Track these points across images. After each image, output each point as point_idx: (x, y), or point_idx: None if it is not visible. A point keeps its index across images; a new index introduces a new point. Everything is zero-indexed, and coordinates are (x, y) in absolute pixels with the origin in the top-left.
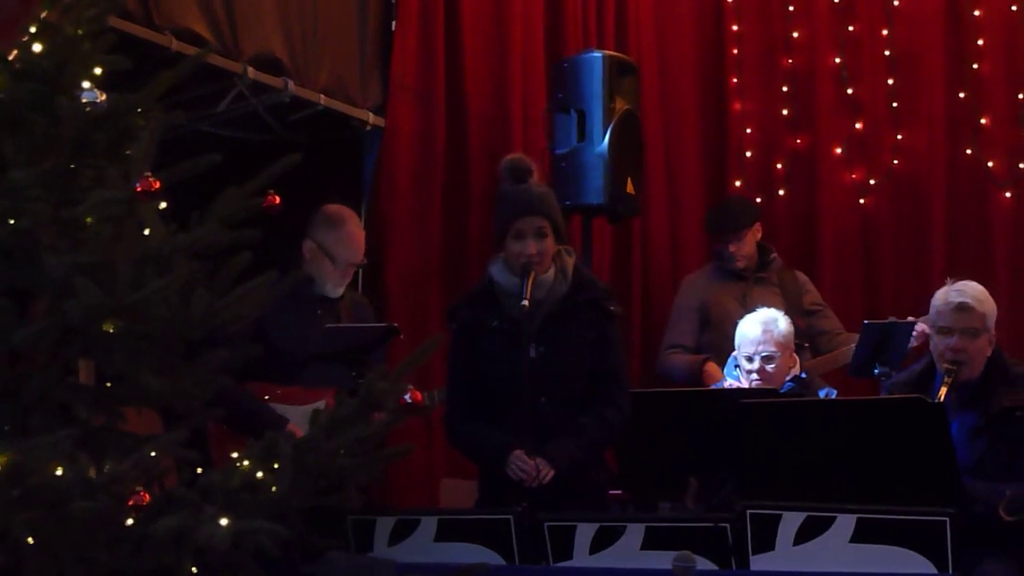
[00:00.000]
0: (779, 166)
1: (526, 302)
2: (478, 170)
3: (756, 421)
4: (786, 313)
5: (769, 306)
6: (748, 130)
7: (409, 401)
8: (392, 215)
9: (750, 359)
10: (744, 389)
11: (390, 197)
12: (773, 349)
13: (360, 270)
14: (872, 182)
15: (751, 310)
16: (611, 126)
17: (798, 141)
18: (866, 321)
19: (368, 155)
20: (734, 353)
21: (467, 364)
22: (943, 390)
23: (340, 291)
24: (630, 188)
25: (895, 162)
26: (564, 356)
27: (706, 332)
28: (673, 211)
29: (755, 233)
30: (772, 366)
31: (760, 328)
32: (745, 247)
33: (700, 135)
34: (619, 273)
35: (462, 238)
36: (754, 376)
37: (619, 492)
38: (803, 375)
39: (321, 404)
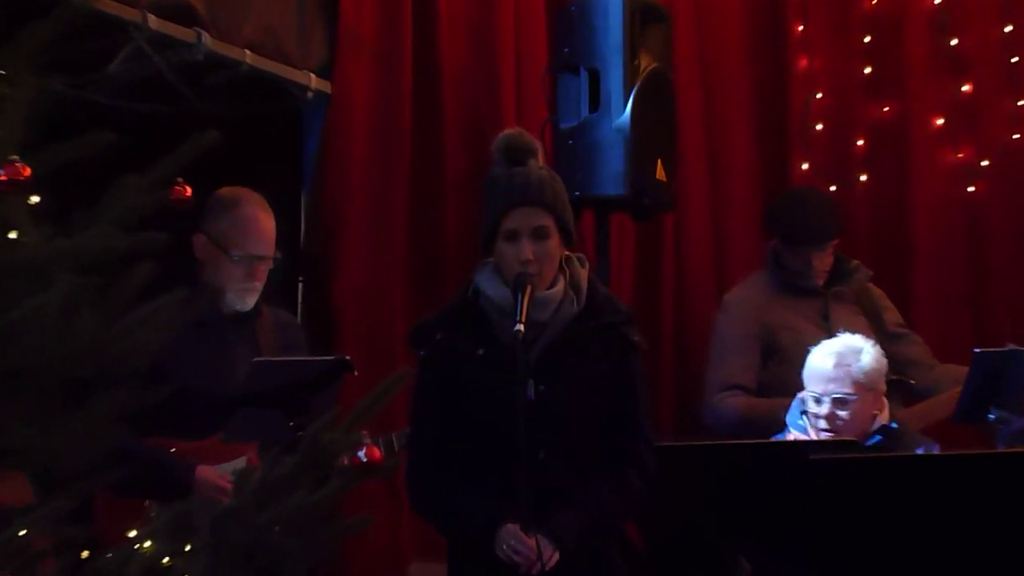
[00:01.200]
0: (859, 143)
1: (520, 326)
2: (456, 150)
3: (830, 485)
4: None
5: (853, 330)
6: (817, 95)
7: (365, 459)
8: (342, 209)
9: (818, 400)
10: (812, 441)
11: (340, 186)
12: (848, 391)
13: (300, 284)
14: (983, 164)
15: (835, 334)
16: (634, 91)
17: (884, 110)
18: (977, 349)
19: (310, 131)
20: (801, 394)
21: (440, 405)
22: None
23: (250, 301)
24: (660, 174)
25: (1014, 137)
26: (572, 398)
27: (771, 365)
28: (717, 205)
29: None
30: (845, 412)
31: (832, 362)
32: (828, 259)
33: (752, 102)
34: (645, 288)
35: (436, 239)
36: (821, 423)
37: None
38: (893, 425)
39: (242, 461)
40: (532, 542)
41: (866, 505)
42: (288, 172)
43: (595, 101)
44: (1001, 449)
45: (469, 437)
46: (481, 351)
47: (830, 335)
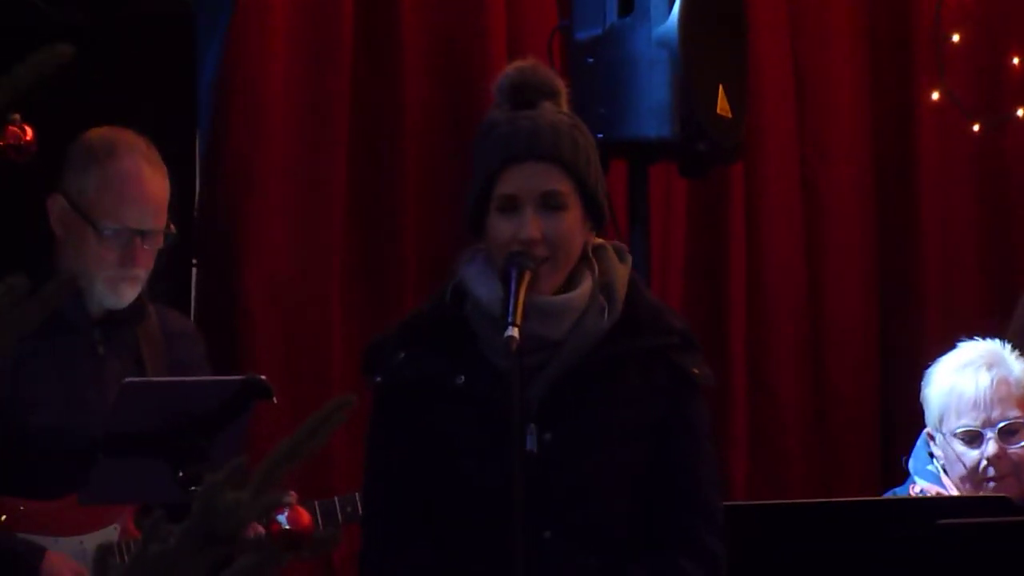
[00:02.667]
0: (1015, 61)
1: (515, 330)
2: (418, 76)
3: (971, 560)
4: None
5: None
6: None
7: (288, 527)
8: (254, 163)
9: (973, 438)
10: (952, 498)
11: (250, 134)
12: (1016, 413)
13: (194, 271)
14: None
15: None
16: None
17: None
18: None
19: (207, 47)
20: (928, 430)
21: (404, 458)
22: None
23: (128, 296)
24: (723, 107)
25: None
26: (594, 452)
27: None
28: (810, 155)
29: None
30: (1021, 445)
31: (990, 377)
32: None
33: (861, 2)
34: (702, 280)
35: (390, 210)
36: (984, 467)
37: None
38: None
39: (113, 531)
40: None
41: None
42: (175, 108)
43: (628, 1)
44: None
45: (447, 506)
46: (462, 379)
47: None
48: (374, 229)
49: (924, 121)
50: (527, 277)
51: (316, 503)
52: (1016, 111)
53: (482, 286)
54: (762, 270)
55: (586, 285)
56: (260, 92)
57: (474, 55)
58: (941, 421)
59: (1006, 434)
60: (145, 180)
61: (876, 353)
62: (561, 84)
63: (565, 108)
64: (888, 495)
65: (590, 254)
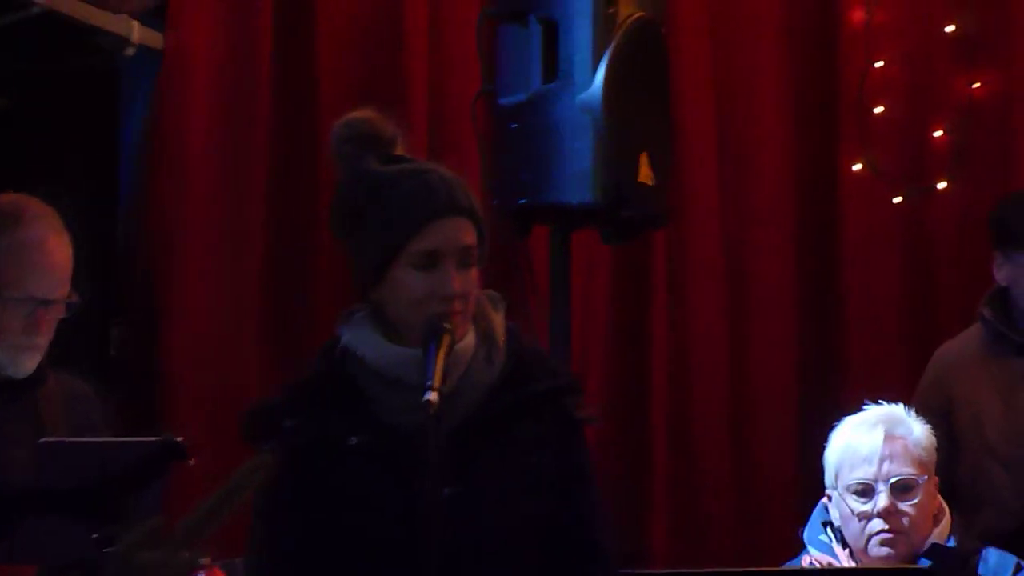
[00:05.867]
0: (936, 133)
1: (433, 394)
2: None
3: None
4: None
5: None
6: (878, 63)
7: None
8: (177, 228)
9: (866, 491)
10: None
11: (173, 194)
12: (911, 470)
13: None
14: None
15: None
16: (610, 51)
17: (976, 85)
18: None
19: (131, 102)
20: (825, 498)
21: (298, 519)
22: None
23: (29, 365)
24: (645, 174)
25: None
26: (497, 506)
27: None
28: (733, 221)
29: None
30: (912, 503)
31: (883, 432)
32: None
33: (787, 72)
34: (624, 344)
35: (309, 276)
36: (875, 524)
37: None
38: (950, 542)
39: None
40: None
41: None
42: (99, 162)
43: (552, 66)
44: None
45: (344, 567)
46: (355, 440)
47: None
48: (292, 287)
49: (847, 189)
50: (446, 340)
51: (236, 561)
52: (938, 183)
53: (369, 346)
54: (685, 336)
55: (469, 336)
56: (182, 150)
57: (392, 107)
58: (837, 477)
59: (898, 490)
60: (50, 250)
61: (796, 419)
62: (400, 133)
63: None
64: (786, 566)
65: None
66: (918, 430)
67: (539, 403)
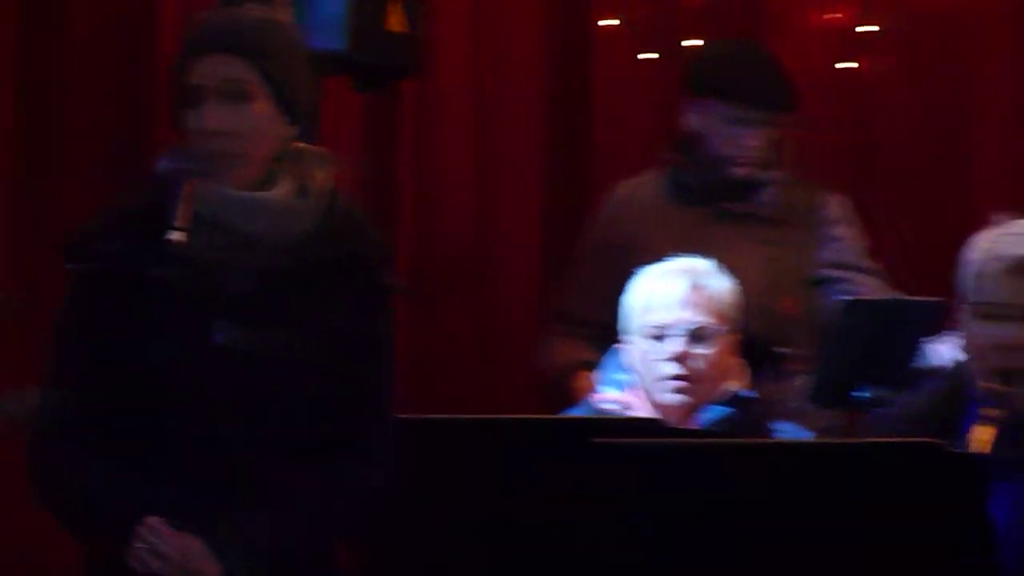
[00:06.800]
0: None
1: (178, 233)
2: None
3: (638, 479)
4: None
5: (749, 265)
6: None
7: None
8: None
9: (661, 336)
10: (629, 419)
11: None
12: (708, 320)
13: None
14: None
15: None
16: None
17: None
18: (843, 298)
19: None
20: (620, 344)
21: (90, 342)
22: (984, 431)
23: None
24: (396, 22)
25: None
26: (282, 354)
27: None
28: (488, 72)
29: None
30: (706, 351)
31: (686, 282)
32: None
33: None
34: (374, 195)
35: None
36: (668, 368)
37: None
38: (753, 394)
39: None
40: (178, 542)
41: (689, 506)
42: None
43: None
44: (873, 439)
45: (129, 399)
46: (156, 271)
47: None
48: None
49: (598, 46)
50: (189, 186)
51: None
52: (680, 40)
53: (178, 180)
54: (432, 186)
55: (284, 186)
56: None
57: None
58: (635, 320)
59: (694, 338)
60: None
61: (540, 271)
62: None
63: (281, 12)
64: (570, 412)
65: (292, 157)
66: (722, 284)
67: (345, 264)
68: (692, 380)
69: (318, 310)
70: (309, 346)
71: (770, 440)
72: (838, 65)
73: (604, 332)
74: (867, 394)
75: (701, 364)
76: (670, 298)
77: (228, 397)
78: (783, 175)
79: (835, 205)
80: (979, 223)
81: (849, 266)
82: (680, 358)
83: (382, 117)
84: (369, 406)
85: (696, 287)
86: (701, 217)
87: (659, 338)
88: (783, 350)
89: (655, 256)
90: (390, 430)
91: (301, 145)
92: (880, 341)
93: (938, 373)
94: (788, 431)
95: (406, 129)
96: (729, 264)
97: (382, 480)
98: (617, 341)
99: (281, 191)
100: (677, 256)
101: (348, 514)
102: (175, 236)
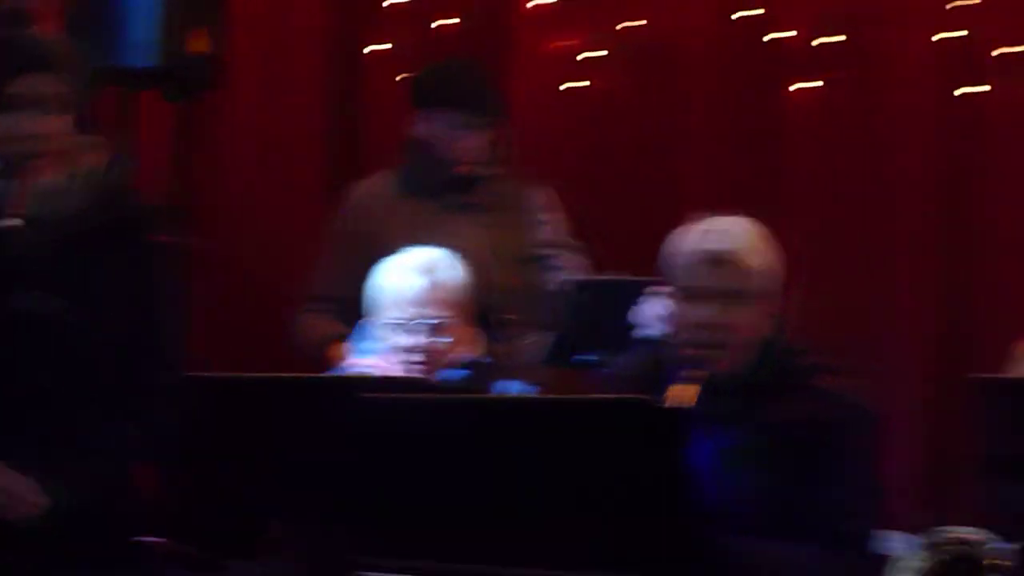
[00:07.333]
0: (449, 21)
1: (13, 220)
2: None
3: (377, 429)
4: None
5: (473, 248)
6: None
7: None
8: None
9: (397, 330)
10: (379, 378)
11: None
12: (444, 313)
13: None
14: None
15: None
16: None
17: None
18: (574, 278)
19: None
20: (367, 321)
21: None
22: (685, 389)
23: None
24: (200, 44)
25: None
26: (69, 313)
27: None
28: (274, 86)
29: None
30: (442, 341)
31: (423, 279)
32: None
33: None
34: (186, 182)
35: None
36: (411, 358)
37: (160, 540)
38: (488, 359)
39: None
40: (13, 478)
41: (422, 454)
42: None
43: None
44: (581, 397)
45: None
46: None
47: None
48: None
49: (368, 65)
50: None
51: None
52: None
53: None
54: (226, 177)
55: (58, 173)
56: None
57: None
58: (378, 313)
59: (428, 330)
60: None
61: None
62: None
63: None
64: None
65: (72, 150)
66: (455, 275)
67: (114, 229)
68: (429, 361)
69: (96, 272)
70: (93, 305)
71: (500, 396)
72: (570, 84)
73: (352, 307)
74: (592, 357)
75: (439, 347)
76: (410, 295)
77: (40, 357)
78: (499, 170)
79: (542, 195)
80: (683, 219)
81: (557, 245)
82: (416, 350)
83: (189, 123)
84: (156, 352)
85: (434, 285)
86: (431, 209)
87: (396, 331)
88: (508, 317)
89: (393, 243)
90: (178, 372)
91: (77, 137)
92: (602, 313)
93: (648, 341)
94: (516, 388)
95: (206, 131)
96: (457, 247)
97: (168, 421)
98: (364, 316)
99: (56, 177)
100: (414, 246)
101: (143, 450)
102: (12, 221)
